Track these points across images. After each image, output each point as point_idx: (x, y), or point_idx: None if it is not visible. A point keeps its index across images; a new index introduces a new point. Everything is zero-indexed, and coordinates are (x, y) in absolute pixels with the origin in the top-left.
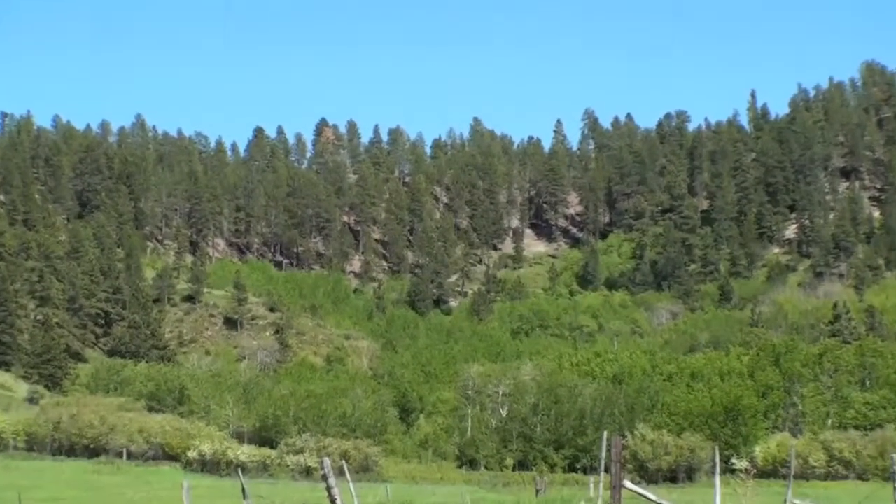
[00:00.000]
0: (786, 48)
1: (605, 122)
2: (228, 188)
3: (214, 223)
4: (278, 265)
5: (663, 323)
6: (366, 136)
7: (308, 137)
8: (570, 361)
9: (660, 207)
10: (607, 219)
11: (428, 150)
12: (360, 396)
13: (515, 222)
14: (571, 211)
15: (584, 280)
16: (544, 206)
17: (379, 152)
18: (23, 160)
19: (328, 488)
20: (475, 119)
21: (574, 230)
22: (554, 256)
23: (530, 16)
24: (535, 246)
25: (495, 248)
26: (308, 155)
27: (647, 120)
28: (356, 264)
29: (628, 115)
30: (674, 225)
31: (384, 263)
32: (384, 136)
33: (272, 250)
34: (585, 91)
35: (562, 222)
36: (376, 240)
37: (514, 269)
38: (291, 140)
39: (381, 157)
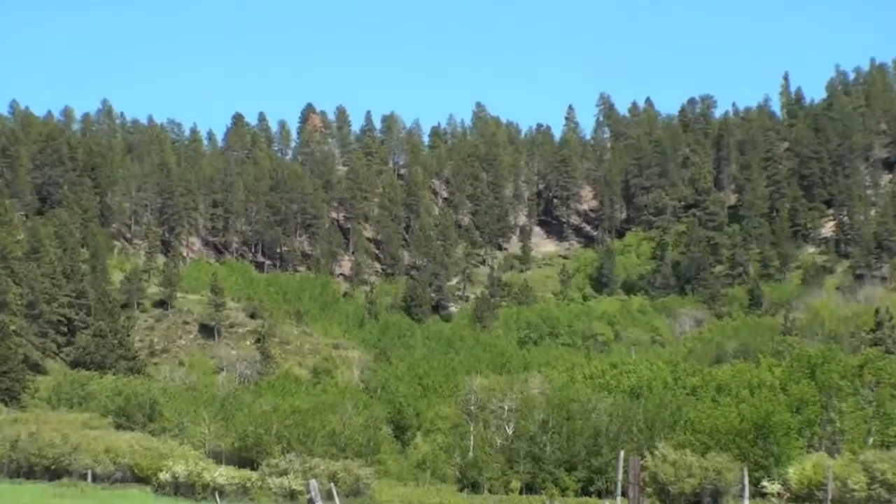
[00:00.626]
0: (823, 26)
1: (622, 108)
2: (204, 181)
3: (189, 220)
4: (259, 267)
5: (686, 331)
6: (356, 124)
7: (293, 125)
8: (583, 373)
9: (682, 203)
10: (624, 215)
11: (426, 139)
12: (350, 412)
13: (522, 219)
14: (584, 206)
15: (599, 283)
16: (554, 201)
17: (371, 141)
18: None
19: None
20: (478, 104)
21: (587, 228)
22: (565, 257)
23: None
24: (544, 245)
25: (500, 248)
26: (293, 144)
27: (668, 105)
28: (346, 266)
29: (647, 101)
30: (698, 222)
31: (377, 265)
32: (377, 124)
33: (253, 250)
34: (600, 74)
35: (574, 219)
36: (368, 239)
37: (521, 271)
38: (274, 128)
39: (373, 147)
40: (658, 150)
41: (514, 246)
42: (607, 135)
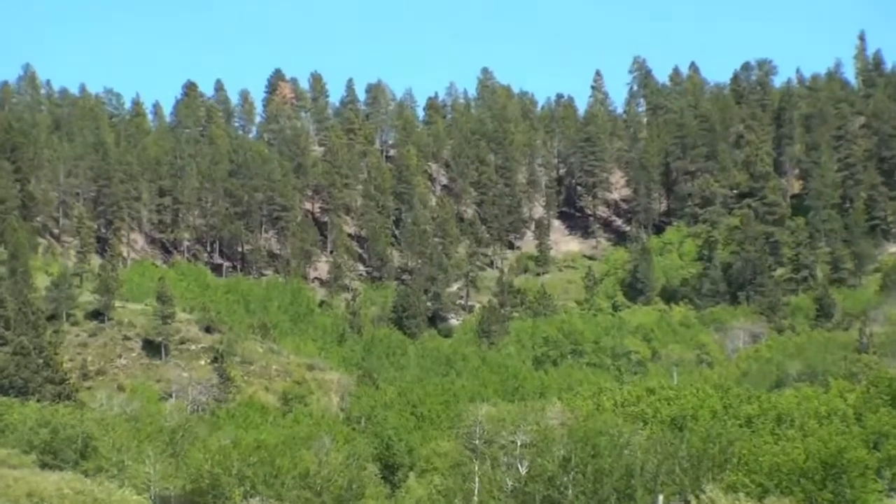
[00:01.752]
0: None
1: (661, 75)
2: (149, 165)
3: (130, 213)
4: (217, 269)
5: (740, 348)
6: (335, 95)
7: (257, 96)
8: (612, 400)
9: (735, 191)
10: (664, 206)
11: (420, 114)
12: (328, 447)
13: (539, 211)
14: (615, 196)
15: (633, 290)
16: (578, 189)
17: (353, 116)
18: None
19: None
20: (484, 71)
21: (618, 222)
22: (591, 258)
23: None
24: (565, 243)
25: (511, 247)
26: (257, 120)
27: (718, 72)
28: (322, 268)
29: (692, 66)
30: (754, 215)
31: (361, 267)
32: (360, 94)
33: (208, 249)
34: (634, 33)
35: (602, 211)
36: (350, 235)
37: (538, 274)
38: (234, 99)
39: (356, 123)
40: (705, 126)
41: (528, 244)
42: (643, 108)
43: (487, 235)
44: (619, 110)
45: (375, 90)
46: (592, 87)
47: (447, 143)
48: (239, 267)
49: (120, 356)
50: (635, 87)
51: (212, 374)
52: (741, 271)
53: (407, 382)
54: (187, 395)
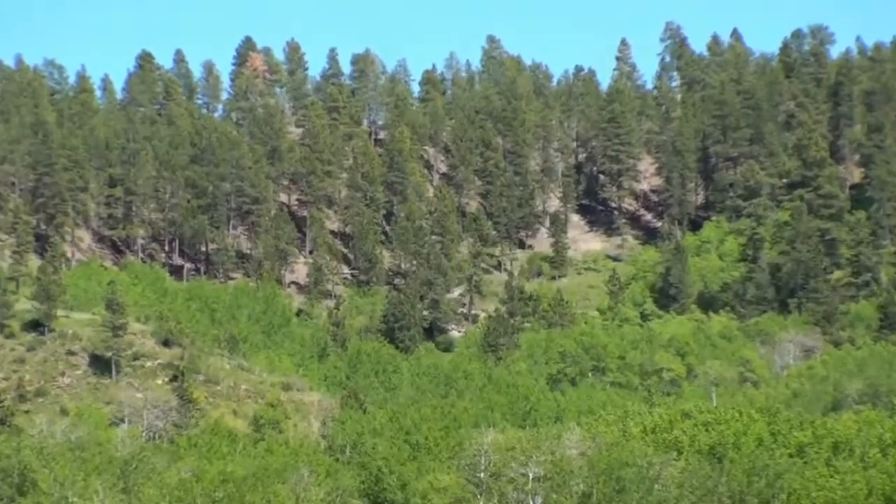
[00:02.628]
0: None
1: (698, 45)
2: (97, 149)
3: (75, 205)
4: (176, 272)
5: (790, 364)
6: (316, 67)
7: (224, 68)
8: (641, 426)
9: (785, 181)
10: (701, 198)
11: (415, 89)
12: (306, 481)
13: (555, 204)
14: (644, 186)
15: (665, 296)
16: (601, 177)
17: (337, 92)
18: None
19: None
20: (490, 39)
21: (647, 217)
22: (616, 258)
23: None
24: (585, 241)
25: (522, 246)
26: (224, 96)
27: (764, 41)
28: (301, 271)
29: (735, 33)
30: (807, 209)
31: (345, 270)
32: (345, 67)
33: (167, 248)
34: None
35: (628, 204)
36: (333, 232)
37: (553, 278)
38: (197, 72)
39: (340, 101)
40: (749, 104)
41: (542, 243)
42: (676, 82)
43: (494, 232)
44: (649, 85)
45: (362, 62)
46: (617, 59)
47: (447, 124)
48: (202, 269)
49: (63, 374)
50: (668, 59)
51: (171, 396)
52: (792, 274)
53: (399, 405)
54: (142, 419)
